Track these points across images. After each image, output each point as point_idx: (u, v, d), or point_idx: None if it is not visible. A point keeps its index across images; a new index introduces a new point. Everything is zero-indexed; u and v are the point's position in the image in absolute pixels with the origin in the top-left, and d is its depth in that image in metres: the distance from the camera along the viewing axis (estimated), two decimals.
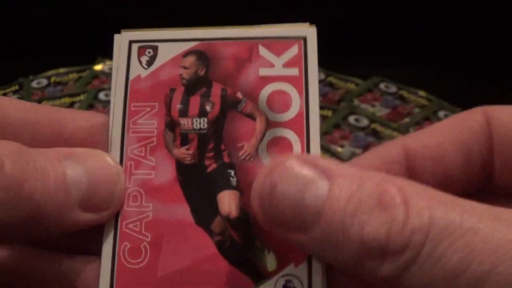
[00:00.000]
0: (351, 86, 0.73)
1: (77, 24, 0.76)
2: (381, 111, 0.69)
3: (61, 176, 0.17)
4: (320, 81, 0.73)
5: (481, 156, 0.23)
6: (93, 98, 0.67)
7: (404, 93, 0.72)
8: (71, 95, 0.68)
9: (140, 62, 0.23)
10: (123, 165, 0.22)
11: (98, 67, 0.73)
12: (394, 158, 0.22)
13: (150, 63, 0.23)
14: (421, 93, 0.73)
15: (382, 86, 0.73)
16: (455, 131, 0.23)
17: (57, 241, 0.21)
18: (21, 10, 0.76)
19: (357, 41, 0.78)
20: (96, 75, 0.72)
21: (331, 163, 0.18)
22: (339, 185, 0.17)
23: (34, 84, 0.71)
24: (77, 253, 0.21)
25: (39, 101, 0.67)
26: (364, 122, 0.66)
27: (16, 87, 0.71)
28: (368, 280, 0.17)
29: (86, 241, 0.21)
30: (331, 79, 0.74)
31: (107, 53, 0.72)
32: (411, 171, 0.22)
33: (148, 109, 0.23)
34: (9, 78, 0.72)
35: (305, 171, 0.17)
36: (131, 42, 0.23)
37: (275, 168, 0.18)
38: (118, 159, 0.21)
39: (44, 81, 0.72)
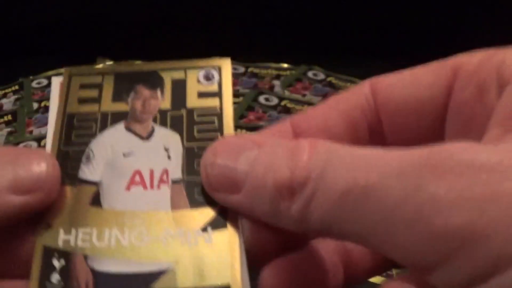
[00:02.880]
0: (351, 86, 0.73)
1: (77, 24, 0.76)
2: None
3: None
4: (320, 81, 0.74)
5: (367, 121, 0.24)
6: None
7: None
8: None
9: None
10: None
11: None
12: (283, 133, 0.24)
13: None
14: None
15: None
16: (339, 101, 0.24)
17: None
18: (21, 10, 0.76)
19: (357, 41, 0.78)
20: None
21: (261, 136, 0.22)
22: (265, 151, 0.19)
23: (34, 84, 0.71)
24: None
25: (39, 101, 0.67)
26: None
27: (16, 87, 0.71)
28: (289, 228, 0.19)
29: (11, 264, 0.21)
30: (331, 79, 0.74)
31: (107, 53, 0.73)
32: None
33: None
34: (9, 78, 0.72)
35: (240, 142, 0.20)
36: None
37: (218, 143, 0.21)
38: None
39: (44, 81, 0.72)
